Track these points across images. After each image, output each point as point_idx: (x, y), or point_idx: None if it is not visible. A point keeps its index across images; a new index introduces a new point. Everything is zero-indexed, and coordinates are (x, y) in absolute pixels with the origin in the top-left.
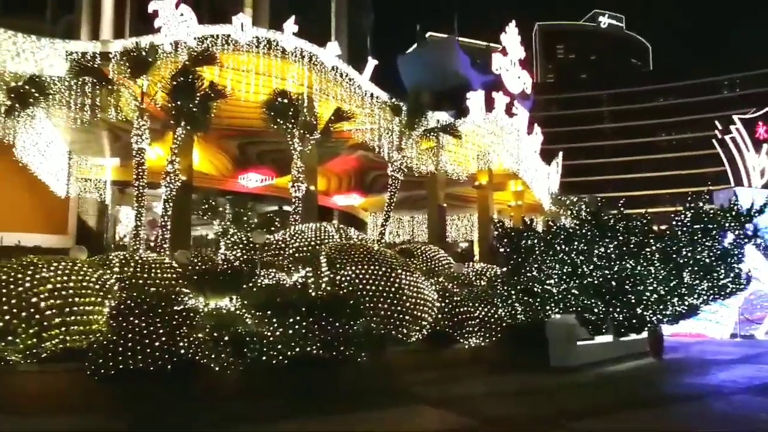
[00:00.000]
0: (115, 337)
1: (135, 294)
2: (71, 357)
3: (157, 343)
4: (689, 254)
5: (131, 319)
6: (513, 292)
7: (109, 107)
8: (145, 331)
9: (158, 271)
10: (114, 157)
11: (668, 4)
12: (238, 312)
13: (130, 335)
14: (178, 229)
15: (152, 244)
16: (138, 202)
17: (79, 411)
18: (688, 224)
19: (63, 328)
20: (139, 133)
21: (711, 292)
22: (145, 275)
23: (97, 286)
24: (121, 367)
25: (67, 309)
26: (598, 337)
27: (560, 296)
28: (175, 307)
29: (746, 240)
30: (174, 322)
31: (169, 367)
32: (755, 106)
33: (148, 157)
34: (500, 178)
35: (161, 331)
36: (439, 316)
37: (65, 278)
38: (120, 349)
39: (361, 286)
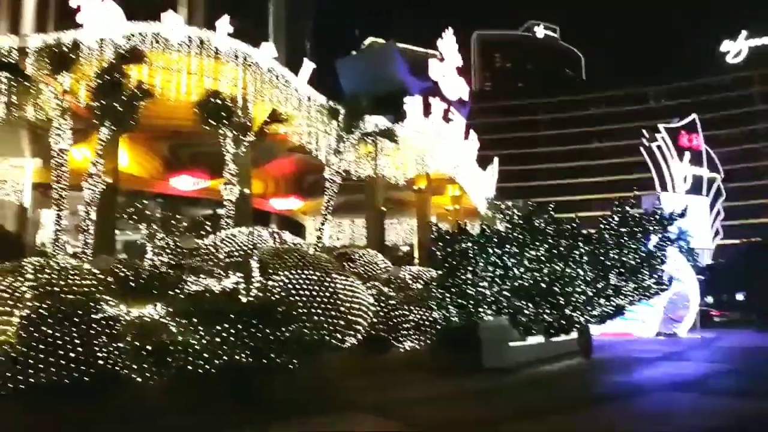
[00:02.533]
0: (24, 349)
1: (49, 302)
2: None
3: (72, 355)
4: (616, 257)
5: (44, 329)
6: (448, 295)
7: (27, 105)
8: (59, 342)
9: (77, 278)
10: (35, 158)
11: (601, 17)
12: (162, 320)
13: (42, 346)
14: (102, 234)
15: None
16: (58, 205)
17: None
18: (615, 228)
19: None
20: (59, 132)
21: (636, 292)
22: (62, 282)
23: (6, 295)
24: (31, 381)
25: None
26: (529, 338)
27: (493, 298)
28: (94, 316)
29: (669, 243)
30: (92, 332)
31: (86, 379)
32: (679, 116)
33: (72, 158)
34: (438, 182)
35: (77, 341)
36: (375, 320)
37: None
38: (30, 361)
39: (294, 292)
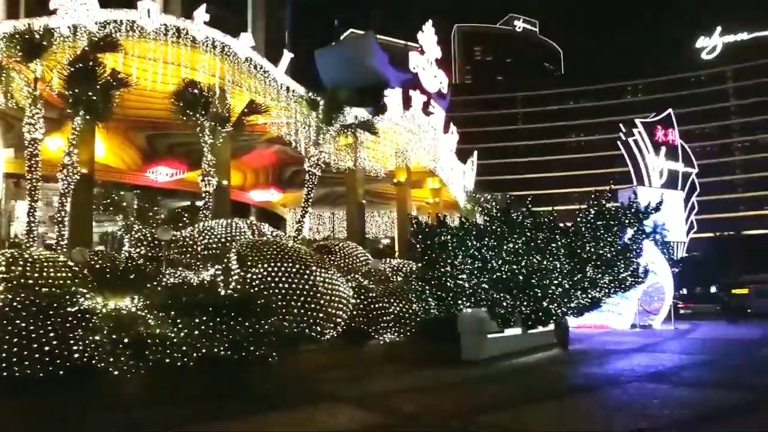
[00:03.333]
0: None
1: (23, 295)
2: None
3: (47, 348)
4: (592, 249)
5: (17, 321)
6: (427, 287)
7: None
8: (33, 335)
9: (51, 270)
10: (7, 148)
11: (579, 12)
12: (139, 313)
13: (15, 339)
14: (77, 226)
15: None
16: (31, 196)
17: None
18: (592, 221)
19: None
20: (32, 122)
21: (612, 285)
22: (36, 275)
23: None
24: (5, 374)
25: None
26: (507, 330)
27: (471, 291)
28: (69, 308)
29: (644, 236)
30: (67, 325)
31: (61, 372)
32: (656, 111)
33: (46, 149)
34: (418, 175)
35: (52, 334)
36: (354, 312)
37: None
38: (3, 355)
39: (273, 284)
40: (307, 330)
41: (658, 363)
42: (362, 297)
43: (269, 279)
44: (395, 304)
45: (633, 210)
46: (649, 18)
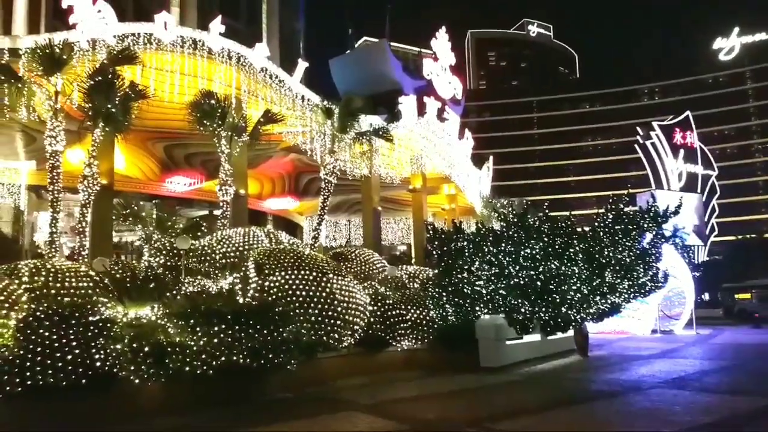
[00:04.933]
0: (22, 352)
1: (46, 305)
2: None
3: (69, 356)
4: (611, 254)
5: (41, 331)
6: (444, 293)
7: (19, 107)
8: (56, 344)
9: (73, 280)
10: (30, 160)
11: (594, 16)
12: (159, 321)
13: (39, 348)
14: (98, 236)
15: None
16: (53, 207)
17: None
18: (610, 225)
19: None
20: (53, 134)
21: (632, 290)
22: (58, 285)
23: (2, 298)
24: (29, 383)
25: None
26: (525, 336)
27: (489, 297)
28: (91, 318)
29: (663, 240)
30: (89, 334)
31: (83, 381)
32: (673, 114)
33: (67, 161)
34: (433, 181)
35: (74, 343)
36: (372, 319)
37: None
38: (28, 363)
39: (290, 292)
40: (324, 337)
41: (679, 369)
42: (379, 304)
43: (287, 287)
44: (412, 310)
45: (651, 214)
46: (665, 20)
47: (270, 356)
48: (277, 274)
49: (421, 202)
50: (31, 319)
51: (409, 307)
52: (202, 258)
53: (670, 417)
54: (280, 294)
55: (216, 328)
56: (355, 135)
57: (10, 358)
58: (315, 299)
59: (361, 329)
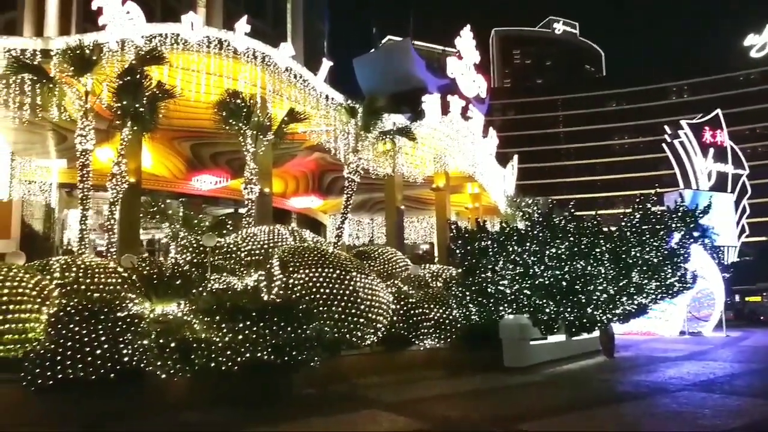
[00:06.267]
0: (53, 346)
1: (76, 300)
2: (5, 368)
3: (99, 351)
4: (638, 254)
5: (71, 326)
6: (467, 293)
7: (51, 106)
8: (86, 339)
9: (102, 276)
10: (60, 159)
11: (621, 12)
12: (185, 317)
13: (69, 343)
14: (126, 233)
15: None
16: (83, 205)
17: (16, 425)
18: (637, 225)
19: None
20: (83, 133)
21: (659, 291)
22: (88, 280)
23: (34, 293)
24: (60, 376)
25: (1, 317)
26: (550, 336)
27: (513, 297)
28: (119, 313)
29: (692, 240)
30: (117, 329)
31: (112, 375)
32: (702, 112)
33: (97, 159)
34: (457, 180)
35: (103, 338)
36: (395, 318)
37: None
38: (59, 357)
39: (314, 290)
40: (347, 335)
41: (708, 371)
42: (402, 303)
43: (310, 284)
44: (435, 309)
45: (680, 213)
46: (694, 16)
47: (294, 353)
48: (301, 271)
49: (444, 201)
50: (61, 313)
51: (432, 306)
52: (228, 255)
53: (699, 420)
54: (303, 291)
55: (241, 325)
56: (378, 134)
57: (42, 351)
58: (338, 297)
59: (384, 328)
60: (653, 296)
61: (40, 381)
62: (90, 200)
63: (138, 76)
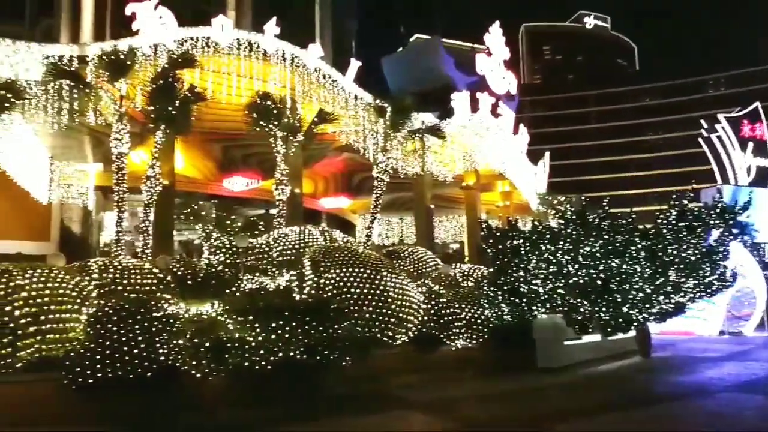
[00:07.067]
0: (92, 345)
1: (113, 300)
2: (47, 366)
3: (136, 351)
4: (675, 252)
5: (109, 326)
6: (499, 292)
7: (87, 111)
8: (123, 339)
9: (138, 276)
10: (97, 162)
11: (654, 4)
12: (219, 317)
13: (108, 343)
14: (160, 234)
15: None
16: (119, 207)
17: (58, 422)
18: (674, 222)
19: (38, 337)
20: (118, 137)
21: (697, 289)
22: (125, 281)
23: (74, 293)
24: (99, 375)
25: (43, 317)
26: (585, 336)
27: (546, 296)
28: (155, 314)
29: (731, 237)
30: (153, 329)
31: (149, 374)
32: (740, 105)
33: (131, 162)
34: (487, 178)
35: (140, 338)
36: (425, 318)
37: (40, 286)
38: (98, 357)
39: (345, 289)
40: (378, 335)
41: (750, 372)
42: (433, 302)
43: (341, 284)
44: (466, 309)
45: (718, 210)
46: (729, 7)
47: (325, 352)
48: (332, 271)
49: (474, 200)
50: (100, 314)
51: (463, 305)
52: (260, 256)
53: (744, 422)
54: (335, 291)
55: (273, 325)
56: (407, 133)
57: (82, 351)
58: (369, 296)
59: (414, 327)
60: (691, 295)
61: (80, 379)
62: (125, 202)
63: (170, 80)
